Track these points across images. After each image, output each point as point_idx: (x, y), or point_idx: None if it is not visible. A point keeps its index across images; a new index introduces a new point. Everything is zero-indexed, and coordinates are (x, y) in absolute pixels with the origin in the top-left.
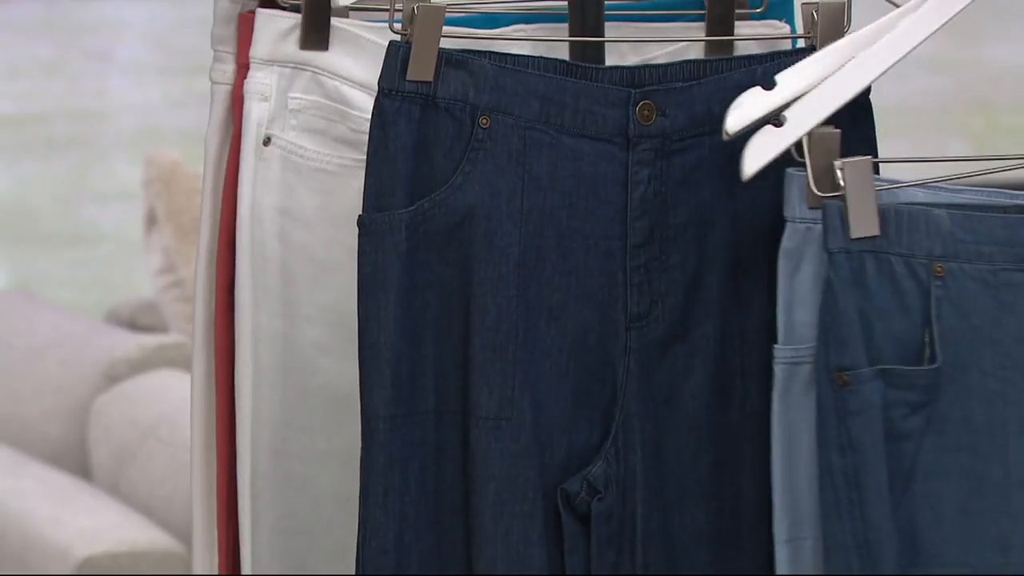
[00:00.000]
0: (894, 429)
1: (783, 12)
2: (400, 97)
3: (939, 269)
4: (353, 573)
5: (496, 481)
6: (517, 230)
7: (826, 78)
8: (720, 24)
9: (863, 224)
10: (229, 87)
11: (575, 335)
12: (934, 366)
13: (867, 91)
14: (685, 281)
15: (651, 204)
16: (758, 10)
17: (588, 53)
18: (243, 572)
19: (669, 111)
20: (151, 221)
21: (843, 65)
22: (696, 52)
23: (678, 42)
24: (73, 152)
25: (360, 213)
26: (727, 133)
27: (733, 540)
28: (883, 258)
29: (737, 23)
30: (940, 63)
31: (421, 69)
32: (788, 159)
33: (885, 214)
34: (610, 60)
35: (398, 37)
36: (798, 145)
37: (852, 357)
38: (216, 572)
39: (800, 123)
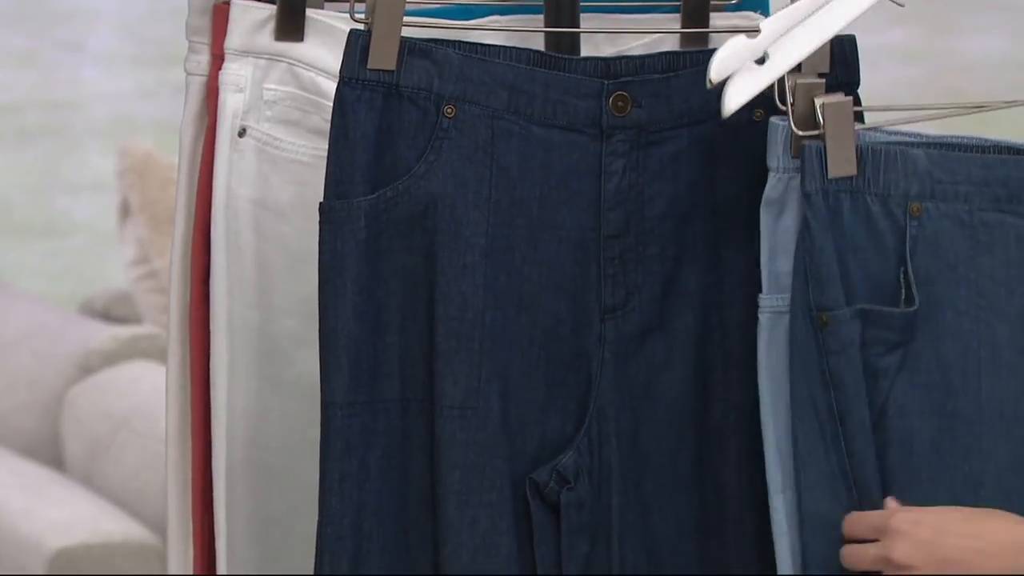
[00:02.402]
0: (869, 367)
1: (758, 3)
2: (361, 85)
3: (915, 208)
4: None
5: (462, 470)
6: (484, 220)
7: (808, 18)
8: (695, 15)
9: (841, 164)
10: (204, 78)
11: (547, 325)
12: (912, 308)
13: (853, 44)
14: (663, 272)
15: (626, 195)
16: (733, 1)
17: (563, 44)
18: (218, 563)
19: (645, 102)
20: (125, 212)
21: (824, 5)
22: (671, 44)
23: (653, 33)
24: (46, 142)
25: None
26: (711, 81)
27: (716, 533)
28: (859, 198)
29: (712, 14)
30: (914, 53)
31: (382, 58)
32: (764, 150)
33: (863, 153)
34: (585, 51)
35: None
36: (782, 92)
37: (831, 297)
38: (191, 563)
39: (782, 60)
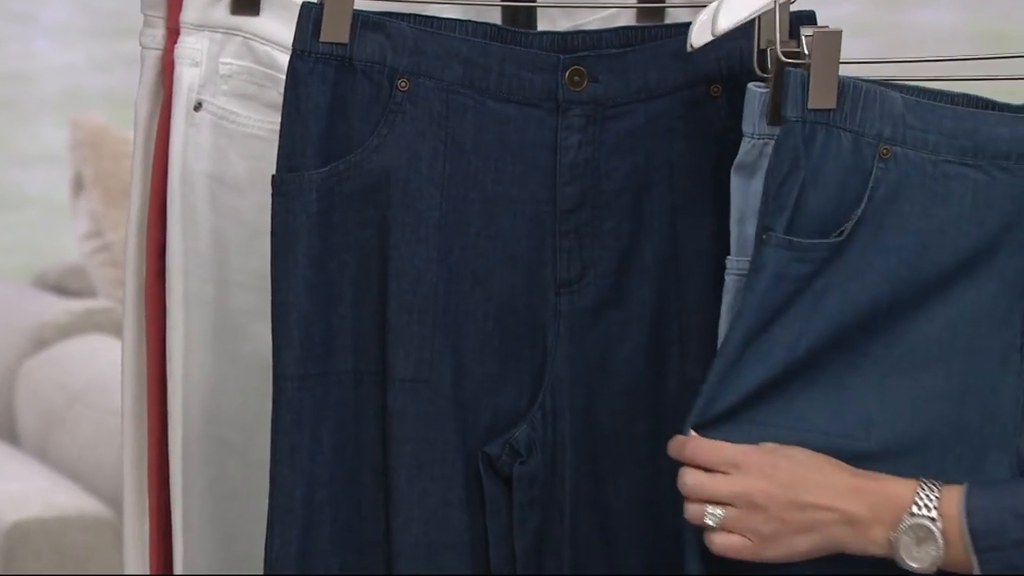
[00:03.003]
0: (789, 295)
1: None
2: (313, 58)
3: (885, 151)
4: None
5: (413, 443)
6: (438, 193)
7: None
8: None
9: (822, 95)
10: (159, 52)
11: (501, 299)
12: (834, 240)
13: (813, 20)
14: (620, 247)
15: (582, 170)
16: None
17: (519, 18)
18: (174, 538)
19: (602, 77)
20: (78, 185)
21: None
22: (627, 18)
23: (609, 7)
24: None
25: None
26: (691, 46)
27: (670, 506)
28: (834, 132)
29: None
30: (865, 27)
31: (335, 31)
32: (733, 129)
33: (844, 89)
34: (542, 26)
35: None
36: (761, 59)
37: (776, 220)
38: (147, 537)
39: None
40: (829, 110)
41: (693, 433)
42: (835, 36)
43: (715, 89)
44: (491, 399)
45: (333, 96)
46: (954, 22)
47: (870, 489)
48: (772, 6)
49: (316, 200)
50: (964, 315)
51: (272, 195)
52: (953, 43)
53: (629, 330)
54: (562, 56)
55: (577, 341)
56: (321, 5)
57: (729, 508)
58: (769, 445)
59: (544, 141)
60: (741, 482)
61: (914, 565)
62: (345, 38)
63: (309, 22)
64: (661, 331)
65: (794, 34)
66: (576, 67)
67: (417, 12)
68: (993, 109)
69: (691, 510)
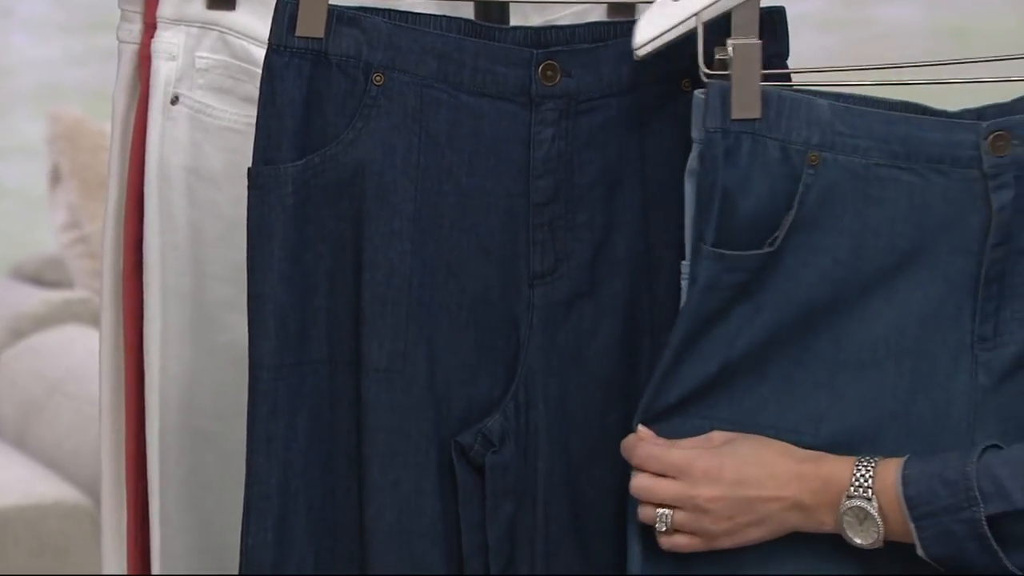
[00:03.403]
0: (728, 303)
1: None
2: (289, 53)
3: (813, 158)
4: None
5: (386, 432)
6: (413, 186)
7: None
8: None
9: (745, 106)
10: (136, 46)
11: (475, 291)
12: (765, 251)
13: (783, 16)
14: (593, 239)
15: (555, 163)
16: None
17: (493, 14)
18: (151, 527)
19: (575, 72)
20: (56, 177)
21: None
22: (599, 14)
23: (581, 3)
24: None
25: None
26: (636, 54)
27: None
28: (760, 141)
29: None
30: (831, 22)
31: (310, 25)
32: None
33: (768, 98)
34: (515, 21)
35: None
36: (708, 56)
37: (706, 233)
38: (124, 526)
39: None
40: (754, 120)
41: (642, 429)
42: (754, 48)
43: (685, 84)
44: (464, 389)
45: (309, 90)
46: (917, 17)
47: (812, 474)
48: (694, 25)
49: (292, 193)
50: (911, 315)
51: (248, 188)
52: (917, 37)
53: (601, 322)
54: (535, 51)
55: (550, 332)
56: (296, 1)
57: (678, 511)
58: (717, 438)
59: (517, 135)
60: (687, 488)
61: (859, 541)
62: (320, 32)
63: (285, 17)
64: (633, 323)
65: (766, 30)
66: (549, 62)
67: (392, 7)
68: (928, 115)
69: (643, 512)
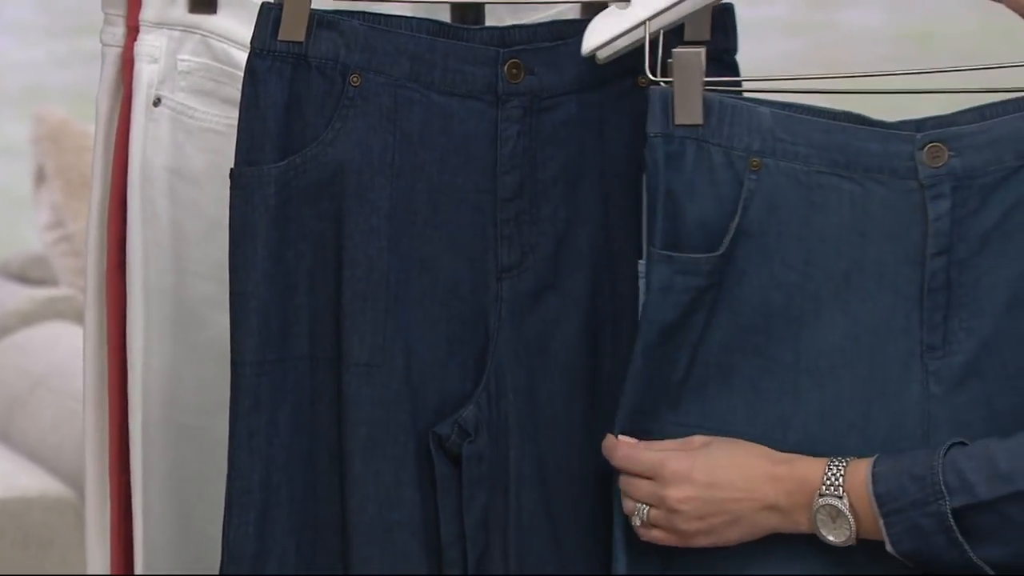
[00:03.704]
0: (683, 307)
1: None
2: (271, 56)
3: (755, 163)
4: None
5: (368, 425)
6: (388, 184)
7: None
8: None
9: (687, 112)
10: (119, 49)
11: (447, 285)
12: (715, 253)
13: (732, 14)
14: (556, 233)
15: (520, 159)
16: None
17: (468, 16)
18: (134, 518)
19: (538, 70)
20: (40, 177)
21: None
22: (575, 15)
23: (555, 5)
24: None
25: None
26: (583, 54)
27: (608, 483)
28: (704, 147)
29: None
30: (796, 26)
31: (292, 29)
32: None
33: (710, 105)
34: (491, 24)
35: None
36: (652, 62)
37: (656, 237)
38: (108, 518)
39: (645, 5)
40: (697, 126)
41: (622, 438)
42: (696, 56)
43: (641, 80)
44: (439, 381)
45: (290, 92)
46: (881, 22)
47: (785, 476)
48: (642, 35)
49: (274, 193)
50: (863, 324)
51: (231, 188)
52: (879, 42)
53: (565, 313)
54: (501, 50)
55: (517, 324)
56: (280, 5)
57: (653, 508)
58: (697, 440)
59: (485, 132)
60: (660, 489)
61: (833, 539)
62: (301, 36)
63: (269, 21)
64: (595, 314)
65: (717, 28)
66: (514, 60)
67: (366, 10)
68: (868, 125)
69: (625, 503)
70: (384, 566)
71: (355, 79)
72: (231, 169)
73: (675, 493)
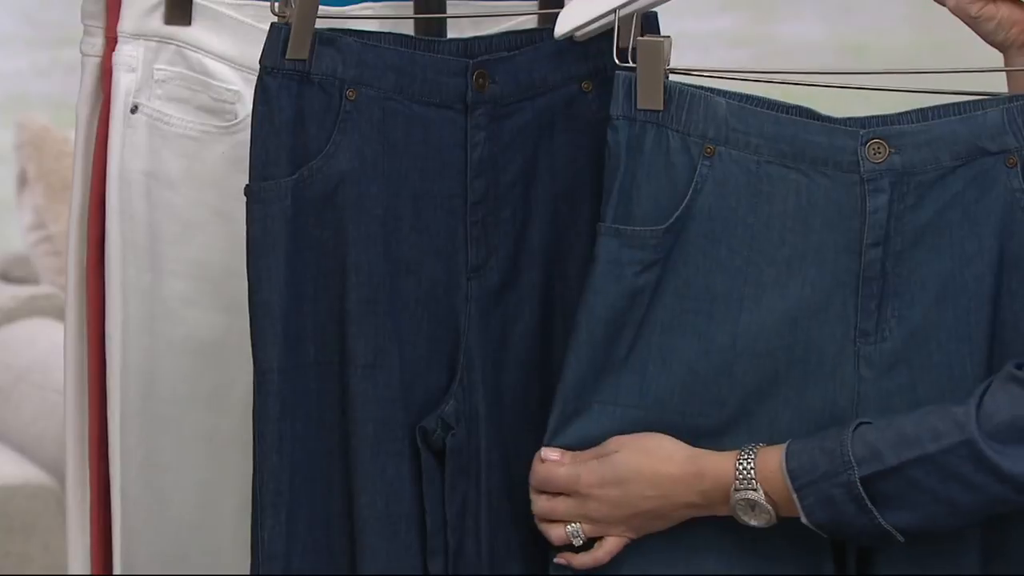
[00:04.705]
0: (628, 282)
1: None
2: (281, 74)
3: (709, 149)
4: (213, 506)
5: (374, 423)
6: (381, 193)
7: None
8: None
9: (649, 97)
10: (99, 59)
11: (427, 286)
12: (661, 227)
13: (655, 21)
14: (515, 233)
15: (487, 164)
16: None
17: (432, 29)
18: (112, 505)
19: (499, 78)
20: (23, 181)
21: None
22: (533, 24)
23: (514, 16)
24: None
25: (245, 182)
26: (557, 38)
27: None
28: (663, 131)
29: None
30: (739, 38)
31: (298, 48)
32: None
33: (671, 92)
34: (452, 36)
35: (258, 13)
36: (621, 51)
37: (609, 213)
38: (87, 505)
39: None
40: (657, 111)
41: (542, 451)
42: (658, 44)
43: (586, 85)
44: (422, 378)
45: (296, 108)
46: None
47: (693, 476)
48: (612, 18)
49: (291, 205)
50: (801, 308)
51: (248, 203)
52: (819, 52)
53: (522, 309)
54: (469, 61)
55: (484, 321)
56: (289, 25)
57: (583, 523)
58: (611, 444)
59: (456, 139)
60: (580, 505)
61: (755, 524)
62: (306, 55)
63: (279, 41)
64: (548, 308)
65: (647, 32)
66: (480, 70)
67: (342, 26)
68: (817, 120)
69: (553, 534)
70: (391, 558)
71: (351, 94)
72: (247, 185)
73: (594, 505)
